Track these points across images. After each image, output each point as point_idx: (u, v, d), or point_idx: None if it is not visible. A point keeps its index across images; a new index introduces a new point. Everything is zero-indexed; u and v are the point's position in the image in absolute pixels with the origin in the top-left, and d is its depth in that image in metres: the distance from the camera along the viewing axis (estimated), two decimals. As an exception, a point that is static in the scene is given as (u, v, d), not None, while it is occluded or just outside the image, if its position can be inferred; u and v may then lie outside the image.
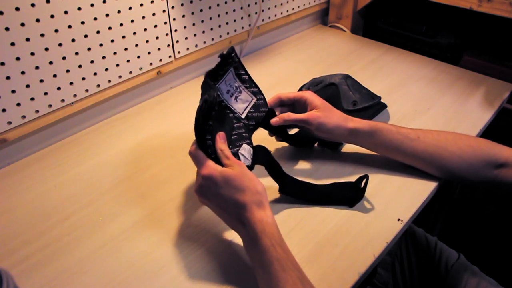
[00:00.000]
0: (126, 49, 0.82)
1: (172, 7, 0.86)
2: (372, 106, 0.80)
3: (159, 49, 0.88)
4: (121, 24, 0.79)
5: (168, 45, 0.89)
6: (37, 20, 0.67)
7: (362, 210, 0.62)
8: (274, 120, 0.65)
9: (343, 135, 0.65)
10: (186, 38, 0.92)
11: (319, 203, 0.63)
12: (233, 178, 0.50)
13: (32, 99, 0.72)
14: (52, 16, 0.69)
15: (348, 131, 0.64)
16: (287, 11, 1.14)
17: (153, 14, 0.83)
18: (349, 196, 0.63)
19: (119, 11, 0.77)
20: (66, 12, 0.70)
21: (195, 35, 0.94)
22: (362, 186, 0.62)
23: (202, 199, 0.54)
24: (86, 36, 0.74)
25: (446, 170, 0.63)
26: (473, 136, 0.65)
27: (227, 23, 0.99)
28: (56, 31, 0.70)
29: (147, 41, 0.85)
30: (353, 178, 0.67)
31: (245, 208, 0.49)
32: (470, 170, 0.62)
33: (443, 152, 0.62)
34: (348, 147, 0.73)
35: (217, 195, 0.51)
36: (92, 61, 0.77)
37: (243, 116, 0.62)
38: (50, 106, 0.75)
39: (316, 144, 0.75)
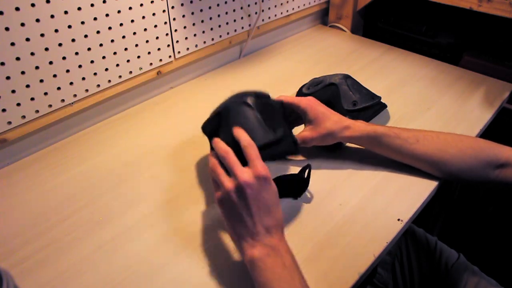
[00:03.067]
0: (126, 49, 0.82)
1: (172, 7, 0.86)
2: (372, 106, 0.80)
3: (159, 49, 0.88)
4: (121, 24, 0.79)
5: (168, 45, 0.89)
6: (37, 20, 0.67)
7: (362, 210, 0.62)
8: None
9: (341, 141, 0.67)
10: (186, 38, 0.92)
11: None
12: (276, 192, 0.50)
13: (32, 99, 0.72)
14: (52, 16, 0.69)
15: (345, 139, 0.66)
16: (287, 11, 1.14)
17: (153, 14, 0.83)
18: (292, 188, 0.62)
19: (119, 11, 0.77)
20: (66, 12, 0.70)
21: (195, 35, 0.94)
22: (306, 176, 0.61)
23: (237, 198, 0.48)
24: (86, 36, 0.74)
25: (447, 172, 0.64)
26: (473, 137, 0.65)
27: (227, 23, 0.99)
28: (56, 31, 0.70)
29: (147, 41, 0.85)
30: (353, 179, 0.67)
31: (278, 226, 0.48)
32: (471, 171, 0.62)
33: (444, 154, 0.62)
34: (349, 147, 0.73)
35: (263, 203, 0.48)
36: (92, 61, 0.77)
37: None
38: (50, 106, 0.75)
39: None
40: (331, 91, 0.79)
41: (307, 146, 0.67)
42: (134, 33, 0.82)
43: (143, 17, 0.82)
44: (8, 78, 0.67)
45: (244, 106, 0.58)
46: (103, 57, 0.79)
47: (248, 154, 0.50)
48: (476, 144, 0.63)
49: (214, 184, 0.52)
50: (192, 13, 0.91)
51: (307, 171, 0.62)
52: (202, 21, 0.94)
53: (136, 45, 0.83)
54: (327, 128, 0.65)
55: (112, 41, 0.79)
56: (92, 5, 0.73)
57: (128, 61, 0.83)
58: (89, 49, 0.76)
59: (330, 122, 0.65)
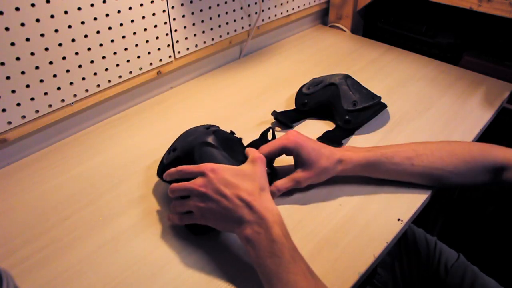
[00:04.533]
0: (126, 49, 0.82)
1: (172, 7, 0.86)
2: (372, 106, 0.80)
3: (159, 49, 0.88)
4: (121, 24, 0.79)
5: (168, 45, 0.89)
6: (37, 20, 0.67)
7: (362, 210, 0.62)
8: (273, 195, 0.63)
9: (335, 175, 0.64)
10: (186, 38, 0.92)
11: None
12: (237, 168, 0.53)
13: (32, 99, 0.72)
14: (52, 16, 0.69)
15: (338, 173, 0.63)
16: (287, 11, 1.14)
17: (153, 14, 0.83)
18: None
19: (119, 11, 0.77)
20: (66, 12, 0.70)
21: (195, 35, 0.94)
22: (270, 138, 0.64)
23: (200, 201, 0.51)
24: (86, 36, 0.74)
25: (447, 185, 0.64)
26: (467, 146, 0.64)
27: (227, 23, 0.99)
28: (56, 31, 0.70)
29: (147, 41, 0.85)
30: (353, 179, 0.67)
31: (254, 194, 0.50)
32: (468, 181, 0.62)
33: (441, 172, 0.62)
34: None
35: (224, 183, 0.50)
36: (92, 61, 0.77)
37: None
38: (50, 106, 0.75)
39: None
40: (331, 91, 0.80)
41: (301, 187, 0.63)
42: (134, 33, 0.82)
43: (143, 17, 0.82)
44: (8, 78, 0.67)
45: (208, 147, 0.58)
46: (103, 57, 0.79)
47: (185, 172, 0.54)
48: (469, 155, 0.62)
49: (186, 216, 0.55)
50: (192, 13, 0.91)
51: (270, 132, 0.65)
52: (202, 21, 0.94)
53: (136, 45, 0.83)
54: (322, 166, 0.61)
55: (112, 41, 0.79)
56: (92, 5, 0.73)
57: (128, 61, 0.83)
58: (89, 49, 0.76)
59: (323, 159, 0.61)
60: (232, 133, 0.65)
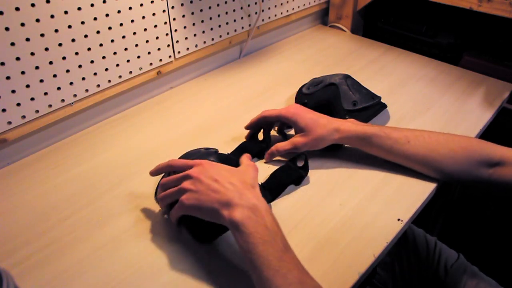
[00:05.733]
0: (126, 49, 0.82)
1: (172, 7, 0.86)
2: (372, 106, 0.80)
3: (159, 49, 0.88)
4: (121, 24, 0.79)
5: (168, 45, 0.89)
6: (37, 20, 0.67)
7: (362, 210, 0.62)
8: (266, 159, 0.70)
9: (333, 143, 0.68)
10: (186, 38, 0.92)
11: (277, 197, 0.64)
12: (230, 166, 0.55)
13: (32, 99, 0.72)
14: (52, 16, 0.69)
15: (335, 142, 0.67)
16: (287, 11, 1.14)
17: (153, 14, 0.83)
18: (295, 176, 0.65)
19: (119, 11, 0.77)
20: (66, 12, 0.70)
21: (195, 35, 0.94)
22: (303, 164, 0.65)
23: (190, 183, 0.52)
24: (86, 36, 0.74)
25: (440, 171, 0.63)
26: (466, 137, 0.65)
27: (227, 23, 0.99)
28: (56, 31, 0.70)
29: (147, 41, 0.85)
30: (353, 179, 0.67)
31: (246, 184, 0.51)
32: (463, 170, 0.62)
33: (435, 154, 0.62)
34: (349, 147, 0.73)
35: (217, 173, 0.51)
36: (92, 61, 0.78)
37: None
38: (50, 106, 0.75)
39: None
40: (331, 91, 0.79)
41: (298, 152, 0.68)
42: (134, 33, 0.82)
43: (143, 17, 0.82)
44: (8, 78, 0.67)
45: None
46: (103, 57, 0.79)
47: (177, 166, 0.56)
48: (468, 144, 0.62)
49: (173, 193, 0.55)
50: (192, 13, 0.91)
51: (304, 158, 0.65)
52: (202, 21, 0.94)
53: (136, 45, 0.83)
54: (318, 133, 0.65)
55: (112, 41, 0.79)
56: (92, 5, 0.73)
57: (128, 61, 0.83)
58: (89, 49, 0.76)
59: (320, 127, 0.65)
60: (230, 155, 0.68)
